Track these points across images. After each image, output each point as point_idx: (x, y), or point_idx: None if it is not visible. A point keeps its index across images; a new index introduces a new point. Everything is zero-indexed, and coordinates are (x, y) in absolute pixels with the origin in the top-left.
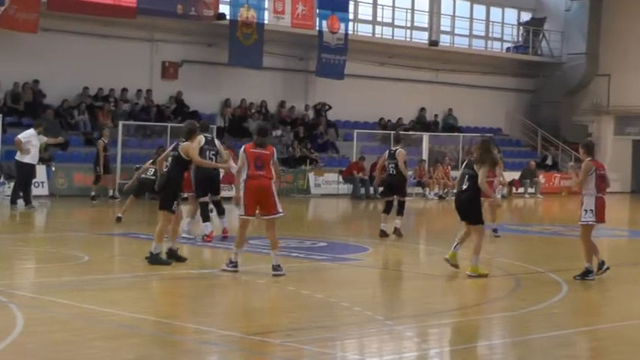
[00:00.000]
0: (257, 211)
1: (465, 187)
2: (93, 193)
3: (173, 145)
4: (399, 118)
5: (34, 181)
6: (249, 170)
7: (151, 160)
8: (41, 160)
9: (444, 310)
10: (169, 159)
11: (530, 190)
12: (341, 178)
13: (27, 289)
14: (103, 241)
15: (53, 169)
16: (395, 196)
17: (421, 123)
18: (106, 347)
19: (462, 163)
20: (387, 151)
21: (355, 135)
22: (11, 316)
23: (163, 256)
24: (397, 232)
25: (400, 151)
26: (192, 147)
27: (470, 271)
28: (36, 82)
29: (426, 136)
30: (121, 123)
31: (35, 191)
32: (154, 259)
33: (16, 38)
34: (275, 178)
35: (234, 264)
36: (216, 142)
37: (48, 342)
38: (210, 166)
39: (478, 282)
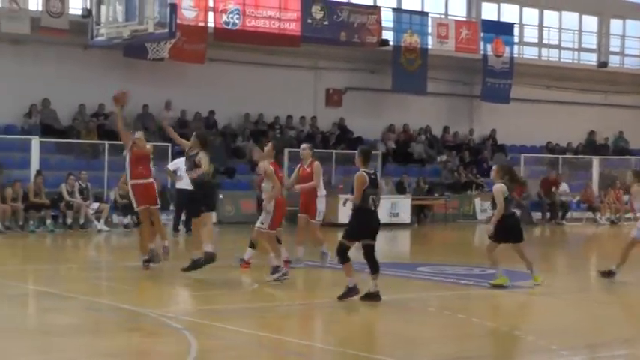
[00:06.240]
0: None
1: (512, 210)
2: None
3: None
4: (568, 143)
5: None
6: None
7: None
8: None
9: (620, 340)
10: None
11: None
12: None
13: (199, 315)
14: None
15: (221, 196)
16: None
17: (590, 146)
18: None
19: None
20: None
21: (522, 159)
22: (186, 343)
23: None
24: None
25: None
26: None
27: (537, 280)
28: (205, 110)
29: (595, 160)
30: (286, 150)
31: None
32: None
33: (185, 68)
34: None
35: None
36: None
37: None
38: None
39: None
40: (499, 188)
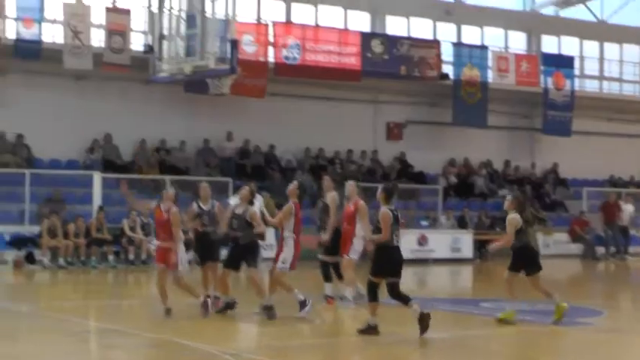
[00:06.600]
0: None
1: (527, 241)
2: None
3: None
4: (631, 176)
5: (263, 243)
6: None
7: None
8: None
9: None
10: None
11: None
12: (570, 238)
13: (261, 352)
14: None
15: None
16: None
17: None
18: None
19: None
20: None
21: (585, 193)
22: None
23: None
24: None
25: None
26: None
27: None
28: (265, 144)
29: None
30: (346, 184)
31: (266, 254)
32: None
33: (245, 103)
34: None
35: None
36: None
37: None
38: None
39: None
40: (514, 218)
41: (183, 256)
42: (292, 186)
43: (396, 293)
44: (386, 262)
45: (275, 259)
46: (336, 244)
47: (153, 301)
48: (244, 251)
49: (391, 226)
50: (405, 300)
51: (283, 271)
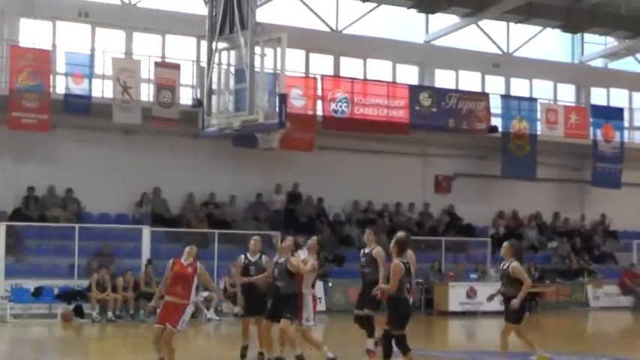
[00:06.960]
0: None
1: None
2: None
3: None
4: None
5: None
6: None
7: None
8: (319, 277)
9: None
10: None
11: None
12: (620, 290)
13: None
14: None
15: (330, 284)
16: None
17: None
18: None
19: None
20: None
21: (635, 245)
22: None
23: None
24: None
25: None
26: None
27: None
28: (314, 197)
29: None
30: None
31: None
32: None
33: (294, 156)
34: None
35: None
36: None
37: None
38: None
39: None
40: (519, 266)
41: (187, 316)
42: (312, 241)
43: (386, 341)
44: (402, 313)
45: (298, 317)
46: (373, 299)
47: (200, 355)
48: (284, 302)
49: (401, 278)
50: (387, 353)
51: (309, 328)
